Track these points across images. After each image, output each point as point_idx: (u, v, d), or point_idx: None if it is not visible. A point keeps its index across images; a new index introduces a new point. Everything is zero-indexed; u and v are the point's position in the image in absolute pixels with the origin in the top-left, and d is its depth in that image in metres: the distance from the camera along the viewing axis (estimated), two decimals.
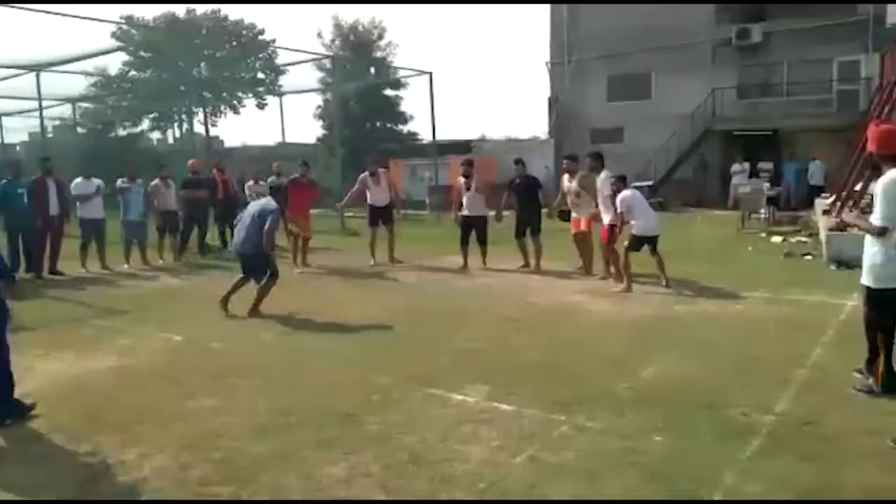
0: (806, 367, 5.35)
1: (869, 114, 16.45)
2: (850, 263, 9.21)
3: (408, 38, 71.78)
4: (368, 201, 11.32)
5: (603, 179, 9.03)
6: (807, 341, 6.02)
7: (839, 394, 4.72)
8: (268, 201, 7.83)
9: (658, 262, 8.65)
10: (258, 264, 7.63)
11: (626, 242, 8.66)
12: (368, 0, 43.55)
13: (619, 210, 8.56)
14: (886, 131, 4.67)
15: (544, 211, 10.37)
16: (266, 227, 7.42)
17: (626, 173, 9.35)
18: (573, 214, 9.76)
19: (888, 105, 13.52)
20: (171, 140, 32.72)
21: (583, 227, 9.59)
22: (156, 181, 12.07)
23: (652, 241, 8.61)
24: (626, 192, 8.59)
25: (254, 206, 7.89)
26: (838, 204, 12.57)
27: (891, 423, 3.98)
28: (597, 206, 9.23)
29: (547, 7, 26.07)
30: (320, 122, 33.08)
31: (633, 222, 8.52)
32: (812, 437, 4.03)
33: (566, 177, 9.85)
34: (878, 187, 4.50)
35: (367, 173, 11.29)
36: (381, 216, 11.25)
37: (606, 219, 8.96)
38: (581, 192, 9.46)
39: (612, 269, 9.05)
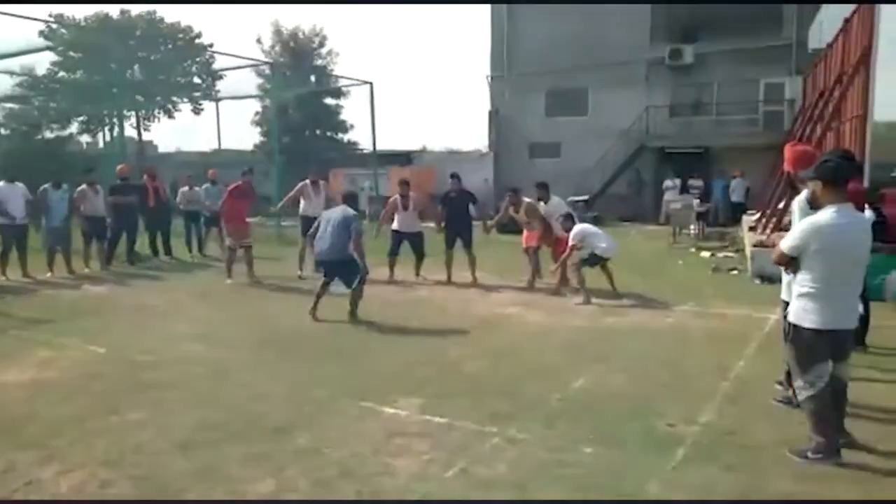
0: (730, 378, 5.53)
1: (792, 133, 17.22)
2: (773, 278, 9.55)
3: (349, 47, 71.51)
4: (302, 212, 11.12)
5: (554, 205, 9.92)
6: (731, 353, 6.23)
7: (760, 405, 4.90)
8: (345, 209, 7.94)
9: (608, 274, 9.16)
10: (348, 269, 7.72)
11: (580, 259, 9.01)
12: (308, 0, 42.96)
13: (572, 244, 8.99)
14: (800, 152, 4.90)
15: (481, 224, 10.59)
16: (353, 233, 7.69)
17: (563, 188, 9.82)
18: (525, 231, 10.19)
19: (809, 125, 14.19)
20: (101, 144, 31.65)
21: (533, 242, 9.97)
22: (83, 186, 11.64)
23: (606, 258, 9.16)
24: (576, 228, 9.13)
25: (333, 214, 7.93)
26: (763, 220, 13.09)
27: (805, 434, 4.14)
28: (545, 228, 9.85)
29: (488, 20, 26.35)
30: (258, 129, 32.55)
31: (599, 245, 8.99)
32: (734, 446, 4.16)
33: (511, 208, 10.17)
34: (794, 205, 4.71)
35: (308, 182, 11.15)
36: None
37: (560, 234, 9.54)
38: (530, 221, 9.98)
39: (568, 283, 9.36)
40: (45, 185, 11.20)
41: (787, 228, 9.13)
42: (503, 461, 3.98)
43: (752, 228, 13.43)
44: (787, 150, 4.97)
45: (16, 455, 4.08)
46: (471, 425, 4.52)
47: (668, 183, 20.39)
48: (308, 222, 10.93)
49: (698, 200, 17.72)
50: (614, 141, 23.29)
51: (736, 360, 6.04)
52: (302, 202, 11.14)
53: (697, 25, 22.79)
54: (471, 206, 10.55)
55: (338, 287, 7.89)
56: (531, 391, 5.23)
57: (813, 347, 3.94)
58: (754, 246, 10.72)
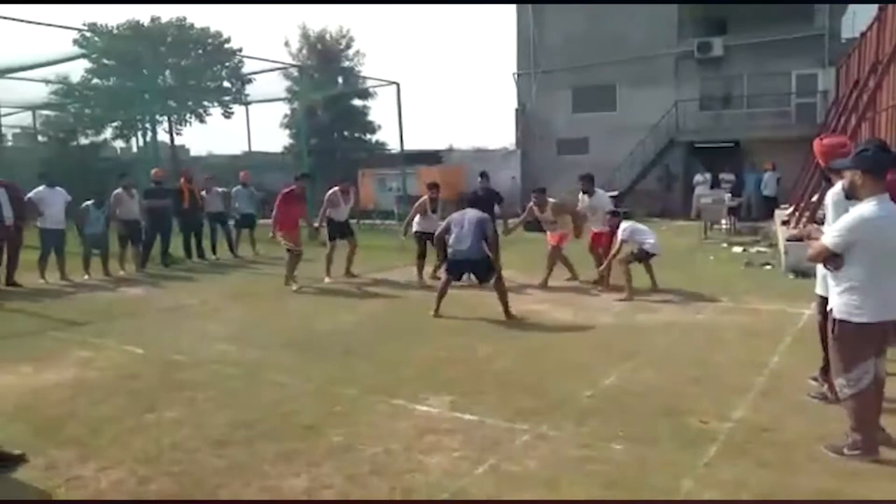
0: (764, 374, 5.46)
1: (826, 125, 16.91)
2: (807, 273, 9.41)
3: (376, 48, 71.88)
4: (329, 215, 11.00)
5: (599, 198, 9.97)
6: (765, 349, 6.15)
7: (795, 401, 4.83)
8: (476, 211, 8.35)
9: (650, 270, 9.25)
10: (485, 267, 8.03)
11: (628, 253, 9.09)
12: (335, 0, 43.18)
13: (622, 238, 9.05)
14: (830, 145, 4.82)
15: (503, 223, 10.48)
16: (489, 233, 8.13)
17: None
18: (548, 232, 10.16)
19: (843, 116, 13.92)
20: (134, 149, 32.20)
21: (554, 242, 9.93)
22: (118, 190, 11.89)
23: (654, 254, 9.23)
24: (625, 224, 9.19)
25: (467, 216, 8.18)
26: (796, 214, 12.88)
27: (842, 430, 4.08)
28: (576, 226, 9.95)
29: (514, 18, 26.32)
30: (287, 132, 32.88)
31: (647, 241, 9.07)
32: (768, 443, 4.11)
33: (536, 209, 10.06)
34: (828, 199, 4.64)
35: (337, 189, 11.00)
36: (341, 230, 11.05)
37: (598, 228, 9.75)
38: (556, 220, 9.92)
39: (605, 282, 9.38)
40: (88, 203, 11.37)
41: (820, 222, 9.00)
42: (534, 458, 3.98)
43: (785, 222, 13.22)
44: (817, 144, 4.89)
45: (57, 452, 4.18)
46: (501, 422, 4.53)
47: (698, 178, 20.15)
48: (335, 227, 10.90)
49: (730, 195, 17.50)
50: (643, 136, 23.09)
51: (769, 355, 5.97)
52: (331, 209, 10.98)
53: (726, 18, 22.51)
54: (496, 207, 10.49)
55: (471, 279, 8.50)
56: (561, 388, 5.22)
57: (860, 343, 3.87)
58: (788, 240, 10.55)
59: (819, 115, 21.07)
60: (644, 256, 9.08)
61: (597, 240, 9.88)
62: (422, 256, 10.47)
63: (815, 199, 11.08)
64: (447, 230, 8.19)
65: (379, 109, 33.97)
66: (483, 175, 10.89)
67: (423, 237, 10.47)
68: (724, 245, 13.96)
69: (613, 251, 9.09)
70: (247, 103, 27.89)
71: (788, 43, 21.33)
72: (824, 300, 4.75)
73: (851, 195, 3.98)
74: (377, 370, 5.87)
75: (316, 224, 11.19)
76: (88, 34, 29.72)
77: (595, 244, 9.90)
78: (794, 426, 4.36)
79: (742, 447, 4.06)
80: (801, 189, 14.22)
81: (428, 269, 10.45)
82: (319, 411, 4.83)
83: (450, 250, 8.13)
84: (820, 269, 4.81)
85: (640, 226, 9.45)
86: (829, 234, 3.93)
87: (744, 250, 13.02)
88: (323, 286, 10.34)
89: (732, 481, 3.63)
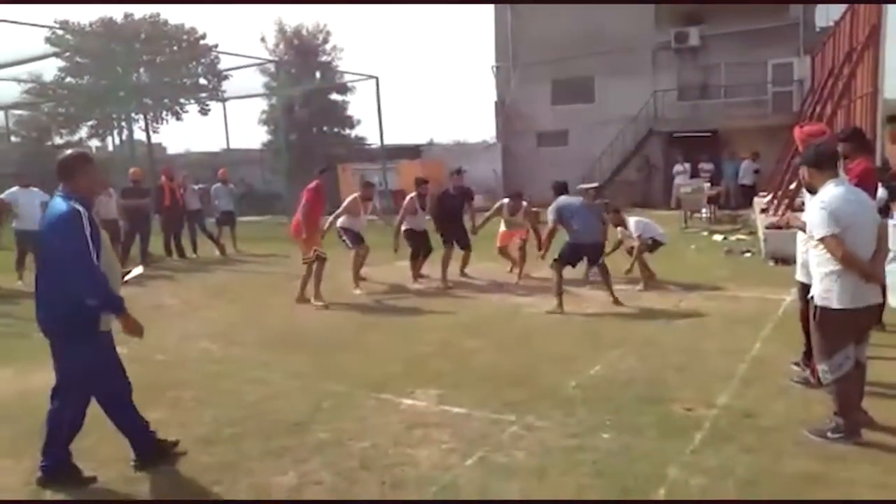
0: (746, 360, 5.53)
1: (802, 114, 17.10)
2: (787, 260, 9.53)
3: (353, 43, 71.53)
4: (346, 224, 9.55)
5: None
6: (747, 336, 6.22)
7: (778, 386, 4.90)
8: (580, 199, 8.55)
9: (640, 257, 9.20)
10: (601, 252, 8.23)
11: (642, 245, 9.13)
12: (311, 0, 43.03)
13: (638, 234, 9.13)
14: (810, 132, 4.93)
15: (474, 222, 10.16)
16: (604, 220, 8.61)
17: (573, 176, 9.71)
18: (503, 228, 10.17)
19: (819, 105, 14.09)
20: (110, 147, 31.86)
21: (521, 237, 9.99)
22: None
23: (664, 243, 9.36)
24: (634, 220, 9.32)
25: (577, 203, 8.26)
26: (775, 202, 13.02)
27: (825, 414, 4.13)
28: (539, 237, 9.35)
29: (492, 12, 26.29)
30: (265, 128, 32.64)
31: (658, 232, 9.27)
32: (752, 428, 4.17)
33: (507, 211, 10.00)
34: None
35: (357, 196, 9.55)
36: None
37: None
38: (524, 222, 9.97)
39: (651, 275, 9.18)
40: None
41: (799, 209, 9.10)
42: (522, 448, 4.00)
43: (764, 210, 13.37)
44: (797, 132, 4.98)
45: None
46: (489, 414, 4.55)
47: (678, 167, 20.29)
48: (355, 236, 9.57)
49: (709, 184, 17.64)
50: (622, 127, 23.20)
51: (751, 342, 6.04)
52: (346, 216, 9.49)
53: (702, 7, 22.62)
54: (465, 205, 10.01)
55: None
56: (547, 379, 5.25)
57: (842, 328, 3.93)
58: (767, 228, 10.67)
59: (795, 103, 21.30)
60: (654, 246, 9.26)
61: (507, 239, 10.14)
62: (415, 256, 9.95)
63: (793, 186, 11.21)
64: (565, 218, 7.99)
65: (358, 104, 33.99)
66: (458, 171, 10.31)
67: (416, 236, 9.89)
68: (705, 234, 14.09)
69: (637, 250, 9.06)
70: (224, 100, 27.68)
71: (764, 32, 21.51)
72: (805, 287, 4.81)
73: (810, 189, 4.22)
74: (361, 365, 5.87)
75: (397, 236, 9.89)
76: (60, 32, 29.23)
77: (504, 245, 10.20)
78: (778, 411, 4.42)
79: (727, 433, 4.10)
80: (779, 177, 14.37)
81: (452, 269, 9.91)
82: (306, 408, 4.81)
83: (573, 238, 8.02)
84: (800, 256, 4.88)
85: (645, 219, 9.63)
86: (822, 229, 3.87)
87: (724, 238, 13.15)
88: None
89: (718, 468, 3.67)
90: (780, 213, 11.41)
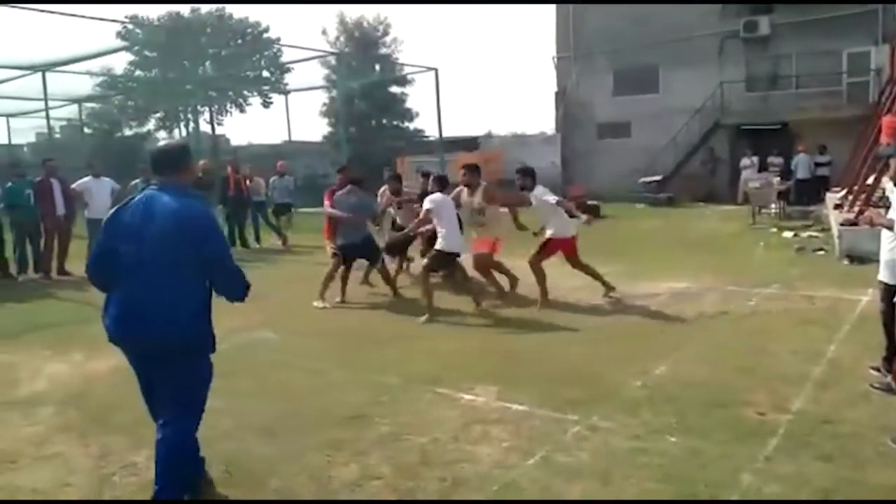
0: (821, 364, 5.26)
1: (880, 106, 16.29)
2: (863, 258, 9.10)
3: (413, 35, 71.45)
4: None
5: (540, 196, 7.74)
6: (821, 337, 5.94)
7: (856, 391, 4.65)
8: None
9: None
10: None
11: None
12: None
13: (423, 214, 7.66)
14: None
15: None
16: None
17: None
18: (473, 234, 8.23)
19: None
20: (177, 139, 32.74)
21: (484, 248, 8.08)
22: None
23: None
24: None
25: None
26: (849, 198, 12.45)
27: None
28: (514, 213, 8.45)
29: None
30: (326, 120, 33.04)
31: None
32: (830, 436, 3.95)
33: (465, 191, 8.11)
34: (888, 181, 4.44)
35: (464, 188, 8.23)
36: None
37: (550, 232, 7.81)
38: (485, 209, 7.97)
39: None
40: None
41: (878, 205, 8.67)
42: (585, 449, 3.89)
43: (838, 206, 12.80)
44: (887, 121, 4.68)
45: (109, 439, 4.24)
46: (550, 413, 4.44)
47: (745, 161, 19.63)
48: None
49: (778, 178, 17.01)
50: (687, 119, 22.58)
51: (826, 344, 5.76)
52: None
53: None
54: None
55: None
56: (609, 379, 5.10)
57: None
58: (842, 225, 10.20)
59: (872, 94, 20.31)
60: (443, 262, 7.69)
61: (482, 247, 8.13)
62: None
63: (870, 181, 10.68)
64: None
65: (416, 96, 33.95)
66: (426, 175, 9.14)
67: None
68: (774, 230, 13.58)
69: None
70: (286, 92, 28.06)
71: (839, 20, 20.56)
72: (889, 288, 4.57)
73: None
74: (415, 359, 5.82)
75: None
76: (130, 27, 30.13)
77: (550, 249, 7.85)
78: (857, 418, 4.19)
79: (803, 440, 3.91)
80: (854, 171, 13.73)
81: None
82: (363, 400, 4.80)
83: None
84: (884, 254, 4.61)
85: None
86: None
87: (795, 235, 12.64)
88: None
89: (794, 476, 3.50)
90: (856, 208, 10.89)
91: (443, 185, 7.74)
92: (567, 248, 7.81)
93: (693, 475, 3.54)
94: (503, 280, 8.25)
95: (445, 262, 7.66)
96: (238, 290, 3.40)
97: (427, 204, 7.54)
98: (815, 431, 4.02)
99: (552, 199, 7.67)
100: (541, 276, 7.72)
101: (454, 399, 4.79)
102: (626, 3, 23.25)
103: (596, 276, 7.94)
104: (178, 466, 3.26)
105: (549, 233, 7.79)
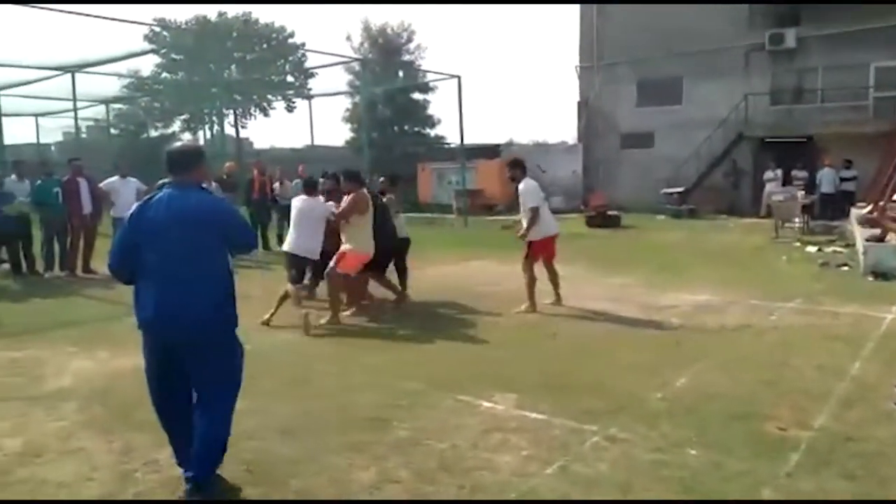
0: (845, 380, 5.21)
1: None
2: (888, 275, 9.01)
3: (436, 42, 71.87)
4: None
5: (526, 188, 7.75)
6: (845, 354, 5.88)
7: (880, 410, 4.59)
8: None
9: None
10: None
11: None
12: (397, 0, 43.48)
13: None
14: None
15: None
16: None
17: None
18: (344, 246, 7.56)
19: None
20: (202, 141, 33.10)
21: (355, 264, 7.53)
22: None
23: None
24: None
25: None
26: (876, 213, 12.30)
27: None
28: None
29: (577, 11, 25.93)
30: (349, 125, 33.25)
31: None
32: (854, 454, 3.91)
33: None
34: None
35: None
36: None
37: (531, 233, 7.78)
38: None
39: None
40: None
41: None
42: (605, 460, 3.88)
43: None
44: None
45: (132, 436, 4.29)
46: (569, 422, 4.43)
47: (769, 174, 19.49)
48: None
49: (802, 192, 16.86)
50: (710, 130, 22.44)
51: (850, 360, 5.69)
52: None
53: (800, 7, 21.60)
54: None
55: None
56: (627, 389, 5.08)
57: None
58: (867, 240, 10.08)
59: None
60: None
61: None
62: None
63: None
64: None
65: (439, 103, 34.10)
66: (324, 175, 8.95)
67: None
68: (797, 244, 13.45)
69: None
70: (309, 97, 28.29)
71: (868, 33, 20.33)
72: None
73: None
74: (434, 365, 5.83)
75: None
76: (158, 29, 30.59)
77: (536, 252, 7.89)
78: (882, 436, 4.14)
79: (825, 457, 3.87)
80: (880, 186, 13.57)
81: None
82: (384, 404, 4.82)
83: None
84: None
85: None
86: None
87: (818, 250, 12.51)
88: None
89: (816, 493, 3.46)
90: (880, 221, 10.74)
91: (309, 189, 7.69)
92: (546, 249, 7.93)
93: (714, 489, 3.52)
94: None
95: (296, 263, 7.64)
96: (250, 239, 3.86)
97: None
98: (837, 448, 3.98)
99: (531, 203, 7.67)
100: (531, 282, 7.82)
101: (473, 406, 4.80)
102: (650, 3, 23.12)
103: (556, 283, 8.02)
104: (216, 449, 3.46)
105: (530, 236, 7.80)
